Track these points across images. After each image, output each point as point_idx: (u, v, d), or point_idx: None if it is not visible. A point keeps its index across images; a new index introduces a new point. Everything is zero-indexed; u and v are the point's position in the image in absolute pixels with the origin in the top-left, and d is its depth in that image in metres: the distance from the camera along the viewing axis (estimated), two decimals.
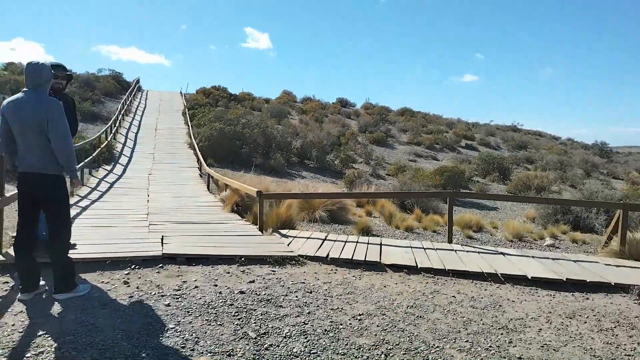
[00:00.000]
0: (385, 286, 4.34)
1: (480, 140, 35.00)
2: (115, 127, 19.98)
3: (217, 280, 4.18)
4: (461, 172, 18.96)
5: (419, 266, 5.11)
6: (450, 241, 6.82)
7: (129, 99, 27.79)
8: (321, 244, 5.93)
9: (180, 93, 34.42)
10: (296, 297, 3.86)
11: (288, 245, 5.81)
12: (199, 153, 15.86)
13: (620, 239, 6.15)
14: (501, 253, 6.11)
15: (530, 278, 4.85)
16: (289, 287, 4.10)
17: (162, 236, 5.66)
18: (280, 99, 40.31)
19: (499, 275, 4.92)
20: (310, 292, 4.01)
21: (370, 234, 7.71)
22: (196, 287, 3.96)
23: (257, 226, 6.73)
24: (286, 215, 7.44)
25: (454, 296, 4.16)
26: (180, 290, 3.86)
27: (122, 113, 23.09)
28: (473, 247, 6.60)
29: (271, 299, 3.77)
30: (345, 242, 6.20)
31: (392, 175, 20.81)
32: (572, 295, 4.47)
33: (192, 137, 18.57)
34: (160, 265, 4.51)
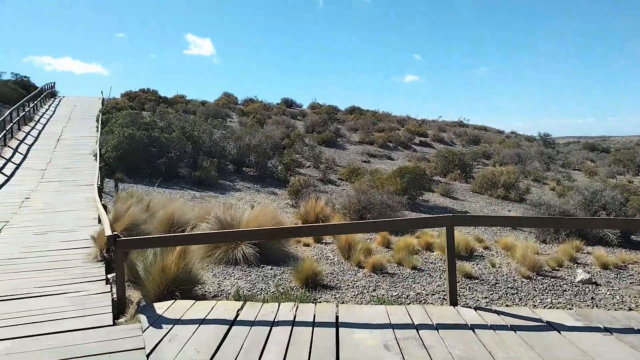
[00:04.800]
0: None
1: (433, 136, 33.26)
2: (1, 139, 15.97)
3: None
4: (423, 172, 16.56)
5: None
6: (454, 303, 4.02)
7: (31, 106, 23.44)
8: (223, 339, 3.01)
9: (102, 98, 30.13)
10: None
11: (151, 353, 2.82)
12: (97, 167, 12.37)
13: None
14: (549, 325, 3.41)
15: None
16: None
17: None
18: (219, 101, 36.81)
19: None
20: None
21: (318, 287, 4.84)
22: None
23: (114, 299, 3.69)
24: (178, 268, 4.42)
25: None
26: None
27: (16, 121, 18.95)
28: (494, 310, 3.85)
29: None
30: (272, 326, 3.29)
31: (346, 180, 18.12)
32: None
33: (99, 146, 14.97)
34: None
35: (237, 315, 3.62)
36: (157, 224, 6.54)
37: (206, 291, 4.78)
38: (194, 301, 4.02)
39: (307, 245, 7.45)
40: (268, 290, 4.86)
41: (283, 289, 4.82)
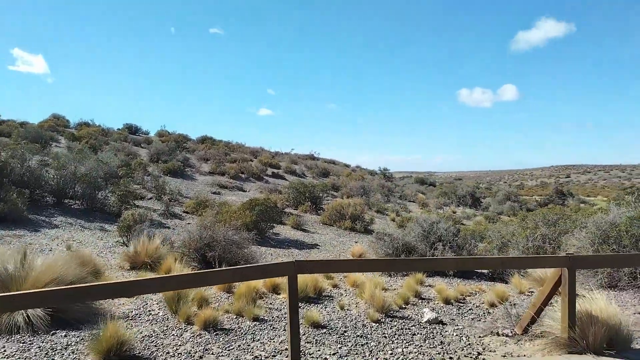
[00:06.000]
0: None
1: (286, 168, 33.58)
2: None
3: None
4: (274, 204, 16.09)
5: None
6: None
7: None
8: None
9: None
10: None
11: None
12: None
13: (568, 318, 3.60)
14: None
15: None
16: None
17: None
18: (44, 123, 31.79)
19: None
20: None
21: None
22: None
23: None
24: None
25: None
26: None
27: None
28: None
29: None
30: None
31: (192, 213, 16.64)
32: None
33: None
34: None
35: None
36: None
37: None
38: None
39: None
40: None
41: None
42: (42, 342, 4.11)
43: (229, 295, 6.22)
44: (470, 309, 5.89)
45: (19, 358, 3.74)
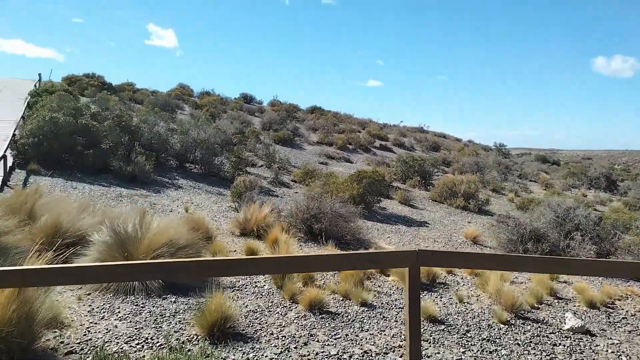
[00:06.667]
0: None
1: (394, 141, 32.49)
2: None
3: None
4: (382, 177, 15.45)
5: None
6: None
7: None
8: None
9: (37, 80, 27.35)
10: None
11: None
12: (7, 155, 10.44)
13: None
14: None
15: None
16: None
17: None
18: (171, 92, 34.56)
19: None
20: None
21: (229, 338, 3.46)
22: None
23: None
24: (4, 317, 2.91)
25: None
26: None
27: None
28: None
29: None
30: None
31: (299, 182, 16.77)
32: None
33: (14, 131, 12.90)
34: None
35: None
36: (29, 233, 4.93)
37: (61, 342, 3.29)
38: None
39: None
40: (154, 342, 3.42)
41: (177, 341, 3.41)
42: (153, 306, 4.12)
43: (334, 272, 5.88)
44: (623, 318, 4.80)
45: (130, 322, 3.76)
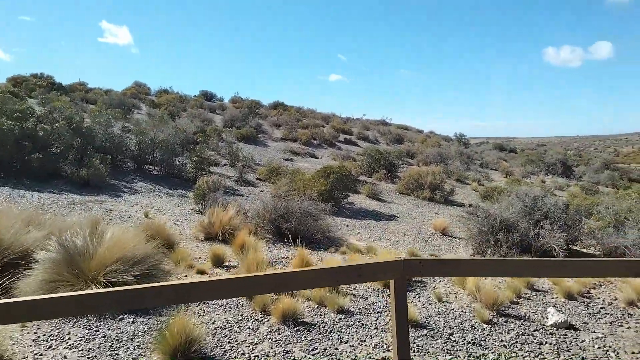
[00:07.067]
0: None
1: (358, 134, 32.49)
2: None
3: None
4: (349, 172, 15.28)
5: None
6: None
7: None
8: None
9: None
10: None
11: None
12: None
13: None
14: None
15: None
16: None
17: None
18: (127, 91, 33.16)
19: None
20: None
21: None
22: None
23: None
24: None
25: None
26: None
27: None
28: None
29: None
30: None
31: (265, 180, 16.35)
32: None
33: None
34: None
35: None
36: None
37: None
38: None
39: (202, 272, 5.64)
40: None
41: None
42: (109, 329, 3.69)
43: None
44: (602, 308, 4.75)
45: (82, 350, 3.33)
